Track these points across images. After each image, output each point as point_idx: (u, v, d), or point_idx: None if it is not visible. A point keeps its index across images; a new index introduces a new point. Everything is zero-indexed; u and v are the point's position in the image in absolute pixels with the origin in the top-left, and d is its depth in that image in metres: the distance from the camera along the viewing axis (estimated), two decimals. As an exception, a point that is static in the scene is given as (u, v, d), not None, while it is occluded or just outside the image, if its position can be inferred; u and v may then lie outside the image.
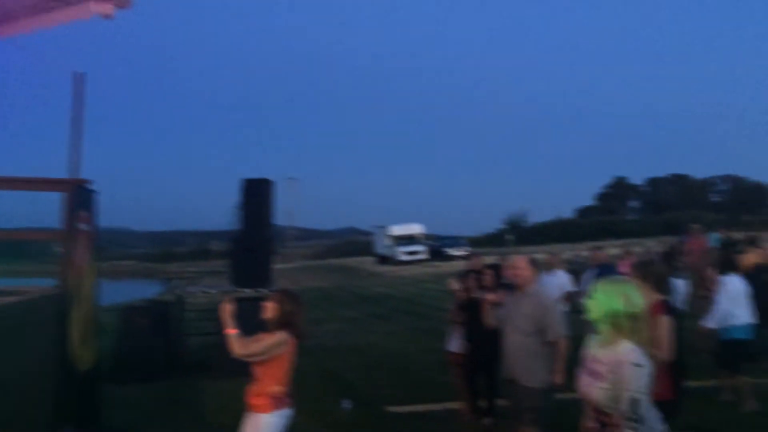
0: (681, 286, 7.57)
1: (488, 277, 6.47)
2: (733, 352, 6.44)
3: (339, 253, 60.25)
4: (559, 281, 8.73)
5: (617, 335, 2.95)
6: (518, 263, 4.97)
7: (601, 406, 2.92)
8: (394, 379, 8.79)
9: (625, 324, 2.94)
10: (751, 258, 7.61)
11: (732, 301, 6.40)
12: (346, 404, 7.08)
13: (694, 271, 10.96)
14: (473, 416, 6.50)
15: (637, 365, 2.84)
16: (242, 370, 4.13)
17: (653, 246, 12.65)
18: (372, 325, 14.74)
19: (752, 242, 12.55)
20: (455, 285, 6.78)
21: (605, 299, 2.98)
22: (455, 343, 6.67)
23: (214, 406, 7.41)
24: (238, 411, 4.10)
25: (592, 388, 2.95)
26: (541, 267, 8.98)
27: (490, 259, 11.58)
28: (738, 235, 17.11)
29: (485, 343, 5.98)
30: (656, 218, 57.26)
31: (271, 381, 3.87)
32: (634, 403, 2.79)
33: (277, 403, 3.87)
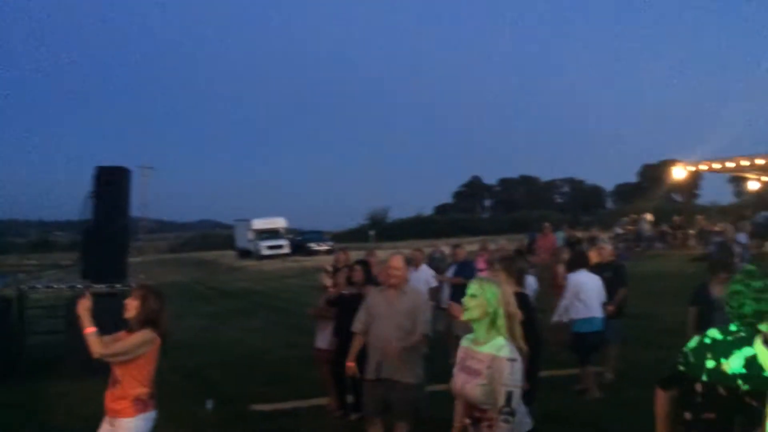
0: (531, 281, 8.10)
1: (358, 273, 6.52)
2: (583, 343, 6.96)
3: (196, 247, 58.23)
4: (425, 276, 9.03)
5: (493, 332, 3.10)
6: (396, 262, 4.97)
7: (477, 402, 3.04)
8: (258, 376, 8.63)
9: (500, 321, 3.10)
10: (592, 256, 8.31)
11: (582, 296, 6.94)
12: (209, 404, 6.84)
13: (544, 267, 11.76)
14: (341, 412, 6.54)
15: (512, 360, 3.00)
16: (90, 372, 3.83)
17: (505, 243, 13.36)
18: (233, 321, 14.37)
19: (592, 241, 13.65)
20: (327, 280, 6.78)
21: (483, 298, 3.10)
22: (323, 339, 6.66)
23: (60, 411, 6.87)
24: (87, 416, 3.81)
25: (468, 385, 3.05)
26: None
27: (356, 255, 11.66)
28: (580, 234, 18.58)
29: (351, 340, 6.06)
30: (507, 217, 60.94)
31: (133, 383, 3.64)
32: (510, 396, 2.93)
33: (141, 406, 3.65)
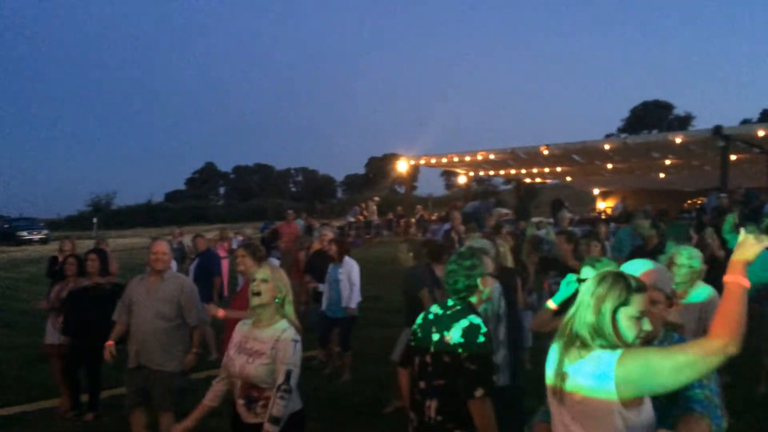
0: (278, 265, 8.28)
1: (93, 263, 6.07)
2: (328, 328, 7.37)
3: None
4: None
5: (277, 316, 3.23)
6: (159, 248, 4.80)
7: (258, 381, 3.12)
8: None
9: (288, 306, 3.26)
10: (315, 245, 8.78)
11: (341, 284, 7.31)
12: None
13: (286, 254, 12.04)
14: (74, 413, 6.00)
15: (295, 341, 3.17)
16: None
17: (248, 231, 13.39)
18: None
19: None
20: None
21: (273, 283, 3.21)
22: (54, 334, 6.08)
23: None
24: None
25: (251, 366, 3.12)
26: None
27: (81, 245, 10.64)
28: (317, 223, 19.29)
29: (87, 334, 5.65)
30: (242, 205, 60.60)
31: None
32: (289, 374, 3.08)
33: None
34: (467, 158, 22.95)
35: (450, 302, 2.98)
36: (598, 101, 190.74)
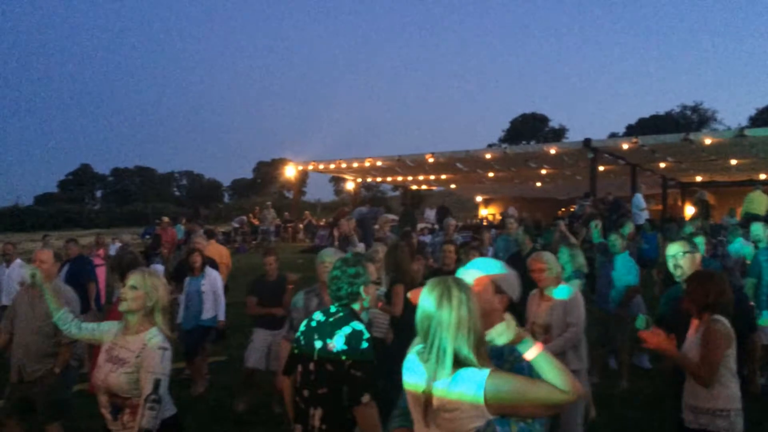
0: (161, 272, 7.93)
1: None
2: (200, 338, 7.14)
3: None
4: (17, 273, 8.08)
5: (146, 323, 3.12)
6: (41, 256, 4.57)
7: (120, 391, 3.00)
8: None
9: (158, 313, 3.15)
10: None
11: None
12: None
13: (168, 260, 11.59)
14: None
15: (163, 348, 3.06)
16: None
17: (128, 237, 12.77)
18: None
19: (210, 234, 13.96)
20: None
21: (144, 290, 3.11)
22: None
23: None
24: None
25: (113, 374, 3.00)
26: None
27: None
28: (199, 228, 18.70)
29: None
30: (121, 209, 57.60)
31: None
32: (158, 384, 2.97)
33: None
34: (355, 165, 23.11)
35: (332, 309, 2.99)
36: (484, 113, 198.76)
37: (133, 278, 3.14)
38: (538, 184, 27.43)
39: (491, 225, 20.65)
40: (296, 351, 3.03)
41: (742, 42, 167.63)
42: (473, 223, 25.21)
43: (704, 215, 16.42)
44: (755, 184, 22.49)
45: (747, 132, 16.42)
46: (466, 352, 2.05)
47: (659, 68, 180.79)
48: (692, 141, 16.35)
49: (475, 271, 2.38)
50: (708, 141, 16.65)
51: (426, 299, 2.12)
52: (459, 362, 2.05)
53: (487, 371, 2.02)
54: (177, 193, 77.57)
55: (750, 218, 13.16)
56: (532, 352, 2.06)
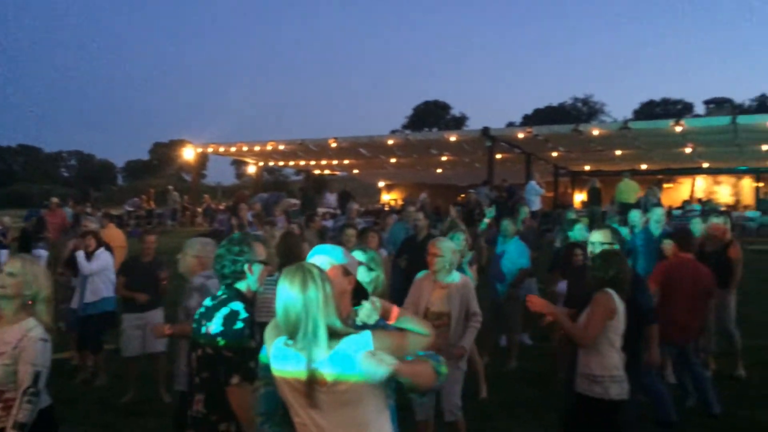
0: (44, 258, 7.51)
1: None
2: (99, 325, 6.79)
3: None
4: None
5: (23, 313, 2.97)
6: None
7: None
8: None
9: (40, 303, 3.02)
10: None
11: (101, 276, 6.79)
12: None
13: (54, 245, 10.91)
14: None
15: (44, 340, 2.94)
16: None
17: (6, 220, 11.87)
18: None
19: (107, 217, 13.30)
20: None
21: (23, 278, 2.97)
22: None
23: None
24: None
25: None
26: None
27: None
28: (90, 210, 17.73)
29: None
30: (2, 190, 53.74)
31: None
32: (37, 376, 2.86)
33: None
34: (257, 148, 22.71)
35: (219, 292, 2.94)
36: (389, 99, 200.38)
37: (10, 265, 2.98)
38: (439, 170, 28.06)
39: (393, 210, 20.92)
40: (192, 339, 2.97)
41: (630, 38, 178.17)
42: (375, 208, 25.42)
43: (596, 202, 17.45)
44: (640, 173, 24.16)
45: (631, 125, 17.56)
46: (340, 324, 2.14)
47: (556, 61, 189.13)
48: (581, 132, 17.26)
49: (323, 257, 2.46)
50: (596, 132, 17.63)
51: (288, 287, 2.14)
52: (334, 337, 2.11)
53: (368, 331, 2.14)
54: (66, 174, 73.24)
55: (624, 206, 14.26)
56: (394, 315, 2.39)
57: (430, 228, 7.98)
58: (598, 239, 4.54)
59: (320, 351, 2.09)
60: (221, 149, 24.43)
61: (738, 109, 47.30)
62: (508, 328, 7.29)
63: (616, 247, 4.46)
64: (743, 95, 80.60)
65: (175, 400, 4.14)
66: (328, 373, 2.09)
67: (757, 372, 6.61)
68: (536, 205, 15.78)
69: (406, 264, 6.81)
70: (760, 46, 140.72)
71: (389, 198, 33.06)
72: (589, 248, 4.55)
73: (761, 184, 26.05)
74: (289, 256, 5.42)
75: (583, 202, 23.97)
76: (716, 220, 6.86)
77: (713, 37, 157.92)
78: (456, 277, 4.60)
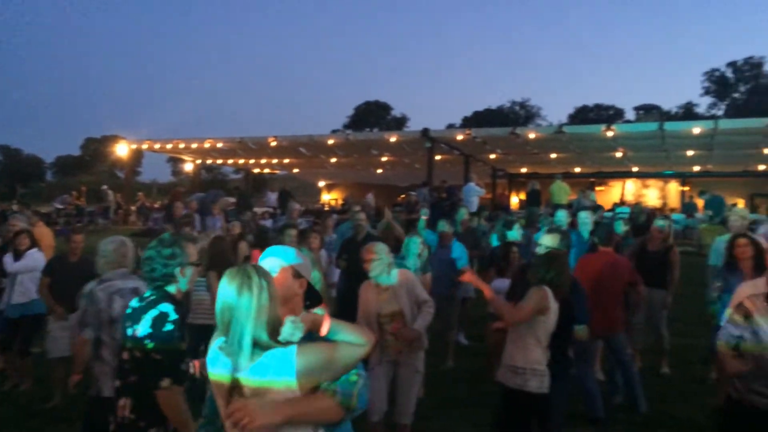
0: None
1: None
2: (29, 328, 6.48)
3: None
4: None
5: None
6: None
7: None
8: None
9: None
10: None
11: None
12: None
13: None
14: None
15: None
16: None
17: None
18: None
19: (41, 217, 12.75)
20: None
21: None
22: None
23: None
24: None
25: None
26: None
27: None
28: (16, 208, 16.98)
29: None
30: None
31: None
32: None
33: None
34: (194, 145, 22.24)
35: (147, 293, 2.87)
36: (330, 98, 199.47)
37: None
38: (380, 170, 28.15)
39: (333, 210, 20.87)
40: (120, 342, 2.90)
41: (566, 44, 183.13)
42: (315, 207, 25.29)
43: (534, 203, 17.93)
44: (574, 176, 24.91)
45: (565, 129, 18.06)
46: (266, 338, 2.06)
47: (495, 64, 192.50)
48: (518, 135, 17.66)
49: (273, 260, 2.38)
50: (532, 135, 18.08)
51: (226, 289, 2.09)
52: (259, 348, 2.06)
53: (294, 346, 2.04)
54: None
55: (556, 207, 14.87)
56: (325, 327, 2.15)
57: (372, 228, 8.01)
58: (546, 242, 4.71)
59: (243, 360, 2.05)
60: (157, 146, 23.80)
61: (666, 116, 49.37)
62: (445, 328, 7.38)
63: (563, 249, 4.65)
64: (671, 102, 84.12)
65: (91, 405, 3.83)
66: (247, 383, 2.05)
67: (680, 370, 6.91)
68: (475, 206, 16.03)
69: (346, 265, 6.81)
70: (687, 56, 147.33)
71: (329, 198, 32.96)
72: (538, 249, 4.72)
73: (687, 188, 27.26)
74: (216, 262, 5.38)
75: (521, 203, 24.55)
76: (660, 224, 7.13)
77: (644, 45, 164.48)
78: (395, 274, 4.64)
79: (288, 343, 2.05)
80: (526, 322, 3.98)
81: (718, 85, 56.17)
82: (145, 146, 24.08)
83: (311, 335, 2.14)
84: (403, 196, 24.15)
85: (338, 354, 2.10)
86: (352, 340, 2.15)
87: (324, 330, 2.15)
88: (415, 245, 6.10)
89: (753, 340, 3.27)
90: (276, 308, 2.11)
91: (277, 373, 2.01)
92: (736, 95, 55.10)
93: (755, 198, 23.68)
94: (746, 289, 3.65)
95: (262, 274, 2.13)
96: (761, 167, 22.58)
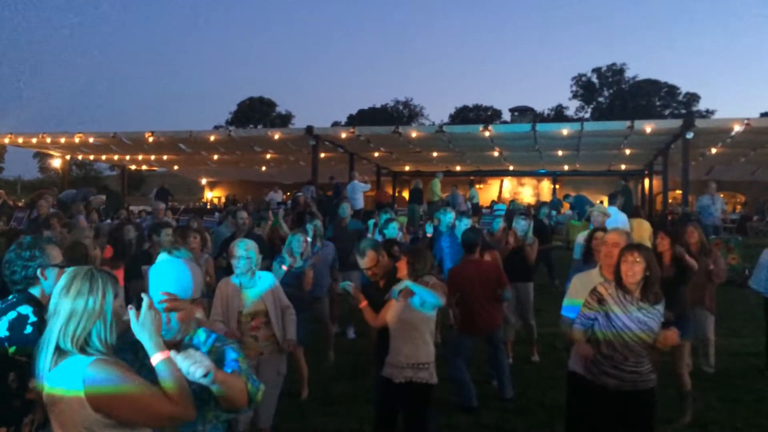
0: None
1: None
2: None
3: None
4: None
5: None
6: None
7: None
8: None
9: None
10: None
11: None
12: None
13: None
14: None
15: None
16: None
17: None
18: None
19: None
20: None
21: None
22: None
23: None
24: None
25: None
26: None
27: None
28: None
29: None
30: None
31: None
32: None
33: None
34: (63, 140, 20.85)
35: (10, 297, 2.73)
36: (211, 94, 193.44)
37: None
38: (264, 168, 27.72)
39: (216, 208, 20.35)
40: None
41: (448, 45, 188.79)
42: (197, 206, 24.55)
43: (417, 201, 18.56)
44: (454, 174, 25.82)
45: (445, 129, 18.65)
46: (69, 346, 2.01)
47: (380, 63, 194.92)
48: (401, 134, 18.02)
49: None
50: (414, 134, 18.51)
51: (56, 287, 2.08)
52: (62, 355, 2.02)
53: (90, 358, 1.98)
54: None
55: (431, 203, 16.06)
56: (156, 357, 2.01)
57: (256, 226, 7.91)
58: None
59: (46, 363, 2.03)
60: (20, 140, 22.08)
61: (539, 118, 52.23)
62: (324, 322, 7.39)
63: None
64: (543, 105, 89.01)
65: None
66: (46, 388, 2.03)
67: (548, 357, 7.38)
68: (361, 202, 16.19)
69: (227, 264, 6.66)
70: (558, 61, 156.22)
71: (212, 195, 32.10)
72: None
73: (557, 186, 29.07)
74: (72, 262, 5.09)
75: (405, 201, 25.12)
76: (521, 224, 7.62)
77: (520, 50, 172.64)
78: (267, 278, 4.67)
79: (91, 354, 2.01)
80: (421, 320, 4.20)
81: (584, 89, 59.94)
82: (7, 140, 22.33)
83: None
84: (288, 194, 23.99)
85: (138, 392, 1.94)
86: (170, 392, 1.96)
87: (154, 360, 2.00)
88: (298, 243, 6.11)
89: (605, 324, 3.59)
90: (95, 317, 2.04)
91: (68, 380, 1.97)
92: (600, 99, 59.07)
93: (618, 195, 25.62)
94: (581, 278, 4.08)
95: (96, 278, 2.08)
96: (623, 167, 24.43)
